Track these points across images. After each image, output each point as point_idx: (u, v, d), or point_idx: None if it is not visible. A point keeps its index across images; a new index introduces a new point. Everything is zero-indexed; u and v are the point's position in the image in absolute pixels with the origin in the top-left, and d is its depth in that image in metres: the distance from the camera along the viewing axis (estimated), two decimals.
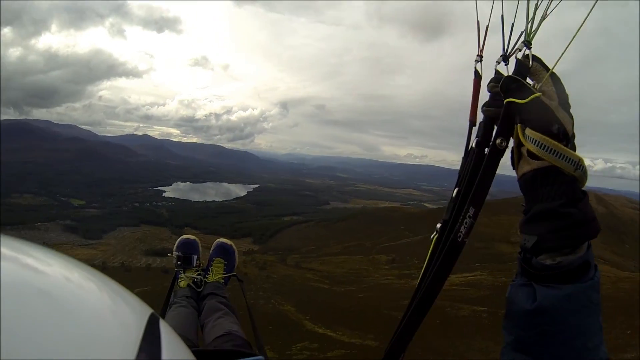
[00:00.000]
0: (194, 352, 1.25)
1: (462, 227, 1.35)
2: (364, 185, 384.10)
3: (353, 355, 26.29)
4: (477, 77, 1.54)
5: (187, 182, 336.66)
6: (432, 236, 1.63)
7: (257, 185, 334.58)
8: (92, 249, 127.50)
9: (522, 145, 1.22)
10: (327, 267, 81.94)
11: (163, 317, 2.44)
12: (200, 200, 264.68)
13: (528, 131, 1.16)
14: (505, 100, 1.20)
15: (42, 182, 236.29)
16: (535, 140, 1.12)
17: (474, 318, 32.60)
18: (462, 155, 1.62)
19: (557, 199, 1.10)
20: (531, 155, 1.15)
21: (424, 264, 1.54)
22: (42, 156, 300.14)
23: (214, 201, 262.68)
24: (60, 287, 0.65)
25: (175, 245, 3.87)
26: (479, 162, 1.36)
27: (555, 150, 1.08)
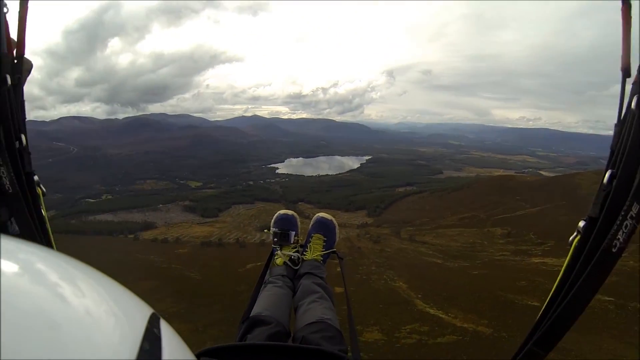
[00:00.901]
0: (277, 347, 1.87)
1: (620, 233, 1.03)
2: (476, 153, 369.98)
3: (465, 344, 24.38)
4: (626, 3, 1.20)
5: (300, 158, 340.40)
6: (571, 238, 1.33)
7: (369, 157, 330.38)
8: (209, 226, 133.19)
9: None
10: (441, 240, 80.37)
11: (257, 296, 2.82)
12: (314, 174, 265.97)
13: None
14: None
15: (162, 168, 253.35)
16: None
17: (599, 310, 27.77)
18: (615, 121, 1.25)
19: None
20: None
21: (559, 274, 1.30)
22: (160, 145, 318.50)
23: (327, 175, 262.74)
24: (60, 288, 0.64)
25: (272, 221, 3.78)
26: None
27: None
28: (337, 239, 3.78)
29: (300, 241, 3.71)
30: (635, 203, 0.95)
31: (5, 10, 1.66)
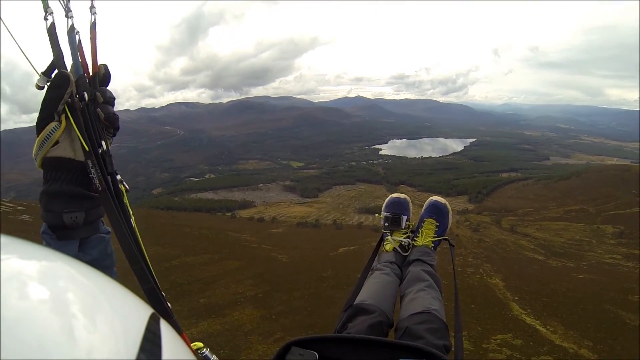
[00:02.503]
0: (379, 342, 1.78)
1: None
2: (587, 138, 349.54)
3: None
4: None
5: (403, 139, 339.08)
6: None
7: (473, 140, 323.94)
8: (308, 206, 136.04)
9: None
10: (544, 234, 76.50)
11: (362, 283, 2.83)
12: (417, 156, 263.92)
13: None
14: None
15: (265, 149, 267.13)
16: None
17: None
18: None
19: None
20: None
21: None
22: (263, 127, 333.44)
23: (430, 157, 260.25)
24: (60, 287, 0.65)
25: (384, 205, 3.65)
26: None
27: None
28: (450, 224, 3.59)
29: (412, 226, 3.57)
30: None
31: (77, 37, 1.97)
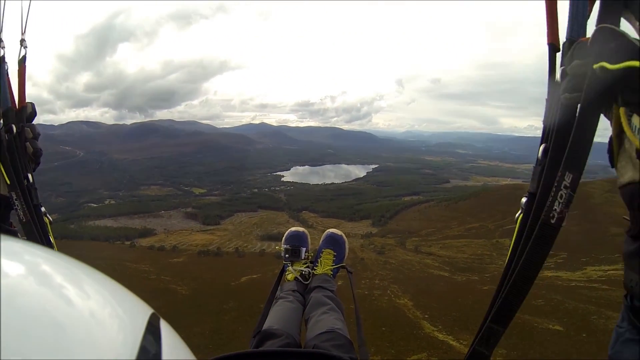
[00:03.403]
0: (288, 353, 2.03)
1: (556, 204, 1.05)
2: (484, 162, 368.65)
3: None
4: None
5: (306, 166, 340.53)
6: (517, 215, 1.37)
7: (376, 165, 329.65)
8: (210, 234, 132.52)
9: (626, 136, 0.86)
10: (448, 251, 77.76)
11: (268, 311, 2.92)
12: (319, 183, 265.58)
13: (637, 120, 0.79)
14: (594, 66, 0.86)
15: (167, 174, 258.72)
16: None
17: None
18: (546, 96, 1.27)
19: None
20: None
21: (507, 252, 1.33)
22: (167, 151, 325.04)
23: (332, 183, 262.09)
24: (61, 288, 0.64)
25: (284, 238, 3.82)
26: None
27: None
28: (347, 254, 3.83)
29: (310, 257, 3.77)
30: (567, 173, 0.99)
31: (6, 67, 1.97)
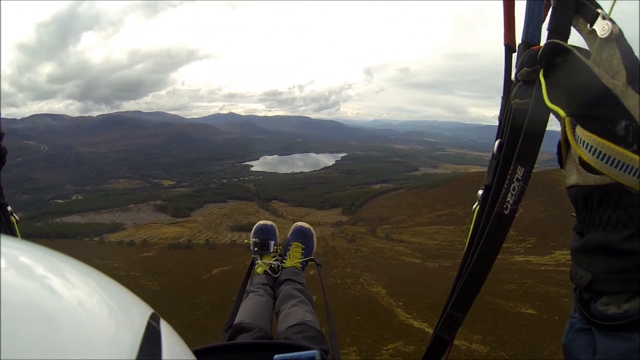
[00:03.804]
0: (259, 345, 2.07)
1: (509, 195, 1.07)
2: (452, 150, 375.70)
3: None
4: None
5: (275, 155, 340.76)
6: (473, 207, 1.43)
7: (345, 154, 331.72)
8: (180, 226, 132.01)
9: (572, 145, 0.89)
10: (419, 238, 78.65)
11: (239, 305, 2.94)
12: (288, 172, 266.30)
13: (581, 131, 0.84)
14: (541, 75, 0.89)
15: (135, 167, 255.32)
16: (591, 147, 0.82)
17: None
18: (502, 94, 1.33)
19: (620, 229, 0.80)
20: (585, 165, 0.85)
21: (465, 241, 1.37)
22: (134, 143, 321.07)
23: (301, 172, 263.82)
24: (60, 288, 0.64)
25: (252, 232, 3.75)
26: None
27: (620, 162, 0.78)
28: (315, 246, 3.80)
29: (279, 250, 3.75)
30: (519, 166, 1.03)
31: None
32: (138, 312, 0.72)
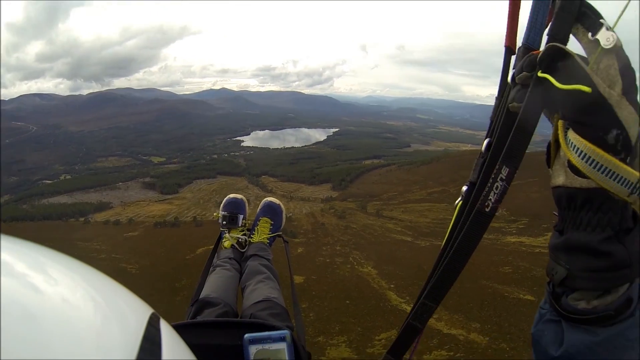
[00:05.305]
0: (226, 323, 2.02)
1: (492, 194, 1.08)
2: (445, 127, 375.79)
3: None
4: None
5: (266, 130, 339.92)
6: (456, 202, 1.44)
7: (337, 129, 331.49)
8: (168, 203, 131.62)
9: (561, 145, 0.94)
10: (410, 215, 77.49)
11: (205, 279, 2.93)
12: (279, 147, 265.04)
13: (572, 135, 0.89)
14: (539, 74, 0.91)
15: (125, 144, 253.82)
16: (581, 152, 0.86)
17: None
18: (496, 94, 1.36)
19: (599, 231, 0.89)
20: (573, 168, 0.90)
21: (445, 234, 1.38)
22: (125, 121, 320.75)
23: (292, 147, 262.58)
24: (59, 287, 0.65)
25: (222, 205, 3.75)
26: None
27: (607, 169, 0.83)
28: (284, 223, 3.80)
29: (248, 225, 3.74)
30: (504, 166, 1.04)
31: None
32: (138, 311, 0.72)
